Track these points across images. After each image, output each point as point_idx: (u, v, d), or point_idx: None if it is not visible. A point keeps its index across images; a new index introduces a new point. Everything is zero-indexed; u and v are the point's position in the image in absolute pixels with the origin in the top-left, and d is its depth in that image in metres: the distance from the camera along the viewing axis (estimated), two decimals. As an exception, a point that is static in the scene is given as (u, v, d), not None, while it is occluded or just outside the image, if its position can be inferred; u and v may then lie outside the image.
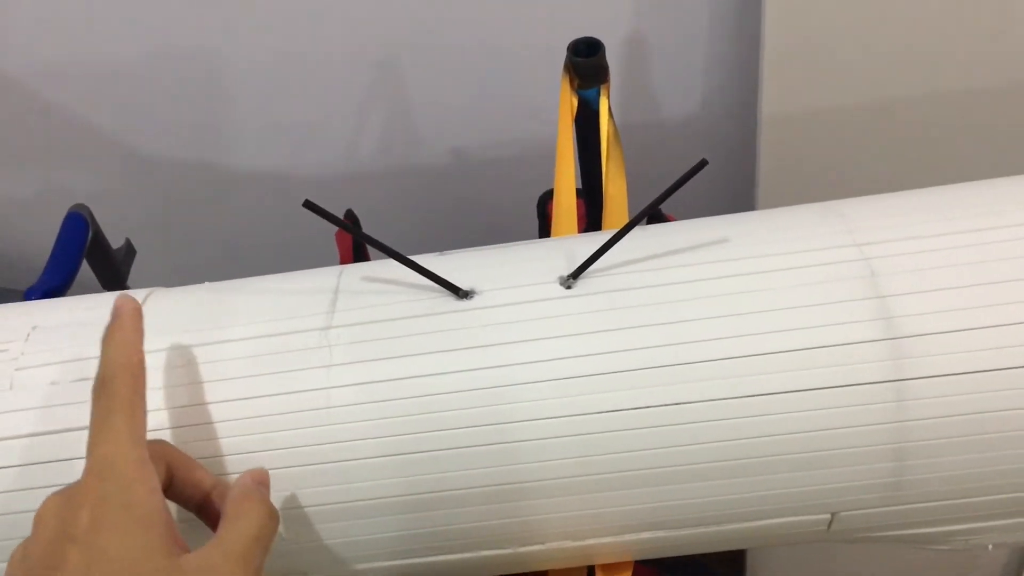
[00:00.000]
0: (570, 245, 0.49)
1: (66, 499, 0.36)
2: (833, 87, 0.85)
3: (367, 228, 0.87)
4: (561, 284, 0.46)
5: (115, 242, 0.84)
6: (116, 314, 0.41)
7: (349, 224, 0.43)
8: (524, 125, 0.98)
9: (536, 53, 0.93)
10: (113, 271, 0.85)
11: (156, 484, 0.37)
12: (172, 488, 0.40)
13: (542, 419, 0.44)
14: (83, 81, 0.97)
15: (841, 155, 0.89)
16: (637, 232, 0.47)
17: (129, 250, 0.89)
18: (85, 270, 0.81)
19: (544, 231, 0.85)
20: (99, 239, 0.83)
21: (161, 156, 1.02)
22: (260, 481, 0.41)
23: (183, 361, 0.46)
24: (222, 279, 0.51)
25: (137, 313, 0.42)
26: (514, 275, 0.47)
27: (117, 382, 0.38)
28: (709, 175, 1.03)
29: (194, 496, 0.41)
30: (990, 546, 0.48)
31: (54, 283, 0.76)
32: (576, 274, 0.46)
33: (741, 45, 0.93)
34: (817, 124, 0.87)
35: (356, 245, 0.88)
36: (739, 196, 0.97)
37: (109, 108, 0.99)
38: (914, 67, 0.83)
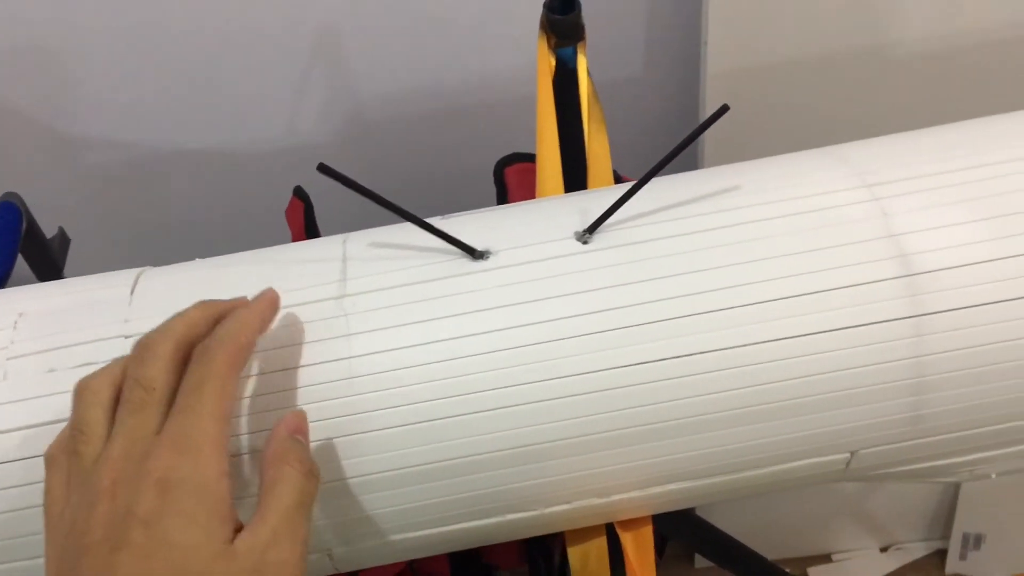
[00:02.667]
0: (580, 201, 0.48)
1: (137, 464, 0.35)
2: (778, 42, 0.86)
3: (316, 203, 0.85)
4: (578, 239, 0.46)
5: (47, 232, 0.80)
6: (256, 297, 0.41)
7: (368, 189, 0.42)
8: (470, 91, 0.97)
9: (483, 18, 0.92)
10: (49, 262, 0.81)
11: (226, 466, 0.36)
12: None
13: (567, 376, 0.43)
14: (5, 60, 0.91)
15: (786, 110, 0.90)
16: (644, 186, 0.47)
17: (63, 239, 0.85)
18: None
19: (502, 198, 0.84)
20: (33, 229, 0.79)
21: (90, 138, 0.97)
22: (295, 429, 0.39)
23: (190, 340, 0.43)
24: (167, 264, 0.49)
25: (273, 305, 0.42)
26: (528, 234, 0.46)
27: (219, 354, 0.37)
28: (654, 135, 1.04)
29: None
30: (993, 475, 0.50)
31: (-9, 276, 0.72)
32: (593, 228, 0.45)
33: (684, 2, 0.93)
34: (761, 80, 0.88)
35: (308, 224, 0.86)
36: (684, 156, 0.98)
37: (32, 90, 0.94)
38: (856, 20, 0.84)
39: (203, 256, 0.50)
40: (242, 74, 0.94)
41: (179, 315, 0.40)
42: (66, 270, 0.82)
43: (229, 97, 0.96)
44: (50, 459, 0.37)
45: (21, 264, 0.77)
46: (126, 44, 0.91)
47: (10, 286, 0.61)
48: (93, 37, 0.90)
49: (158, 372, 0.37)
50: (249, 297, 0.42)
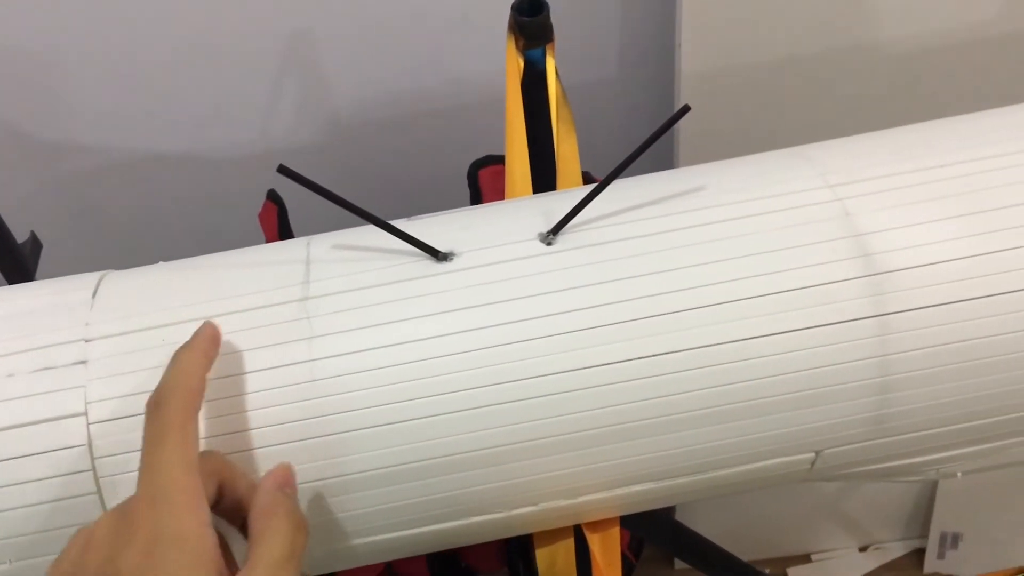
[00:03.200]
0: (545, 202, 0.48)
1: (119, 522, 0.35)
2: (751, 44, 0.86)
3: (289, 207, 0.85)
4: (541, 241, 0.45)
5: (18, 237, 0.79)
6: (194, 336, 0.41)
7: (327, 190, 0.41)
8: (444, 94, 0.97)
9: (452, 20, 0.92)
10: (20, 267, 0.81)
11: (207, 515, 0.36)
12: (220, 505, 0.39)
13: (530, 378, 0.43)
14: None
15: (761, 111, 0.90)
16: (610, 186, 0.47)
17: (35, 244, 0.84)
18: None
19: (476, 200, 0.84)
20: (4, 234, 0.78)
21: (63, 143, 0.96)
22: (283, 483, 0.39)
23: (151, 344, 0.43)
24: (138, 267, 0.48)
25: (214, 340, 0.41)
26: (492, 235, 0.46)
27: (171, 403, 0.37)
28: (629, 135, 1.04)
29: (239, 515, 0.40)
30: (959, 474, 0.50)
31: (-39, 281, 0.71)
32: (556, 230, 0.45)
33: (658, 2, 0.93)
34: (735, 81, 0.88)
35: (282, 228, 0.85)
36: (659, 157, 0.98)
37: (3, 94, 0.93)
38: (829, 22, 0.85)
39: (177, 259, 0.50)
40: (216, 77, 0.94)
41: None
42: (38, 275, 0.81)
43: (203, 101, 0.96)
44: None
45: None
46: (99, 48, 0.90)
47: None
48: (67, 41, 0.90)
49: None
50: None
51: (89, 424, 0.42)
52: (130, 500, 0.36)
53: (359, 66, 0.94)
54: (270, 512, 0.37)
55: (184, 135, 0.98)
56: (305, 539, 0.37)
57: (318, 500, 0.43)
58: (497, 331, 0.43)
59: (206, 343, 0.41)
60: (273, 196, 0.84)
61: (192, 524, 0.35)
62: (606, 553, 0.49)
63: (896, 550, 1.24)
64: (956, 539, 1.18)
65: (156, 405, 0.38)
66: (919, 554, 1.22)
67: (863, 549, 1.25)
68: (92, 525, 0.36)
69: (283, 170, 0.41)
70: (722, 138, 0.91)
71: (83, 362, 0.43)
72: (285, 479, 0.39)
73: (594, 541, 0.49)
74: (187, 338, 0.41)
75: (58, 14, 0.88)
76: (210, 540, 0.35)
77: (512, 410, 0.43)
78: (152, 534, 0.34)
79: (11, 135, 0.95)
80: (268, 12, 0.90)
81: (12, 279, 0.79)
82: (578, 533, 0.50)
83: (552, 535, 0.50)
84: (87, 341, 0.43)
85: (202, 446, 0.41)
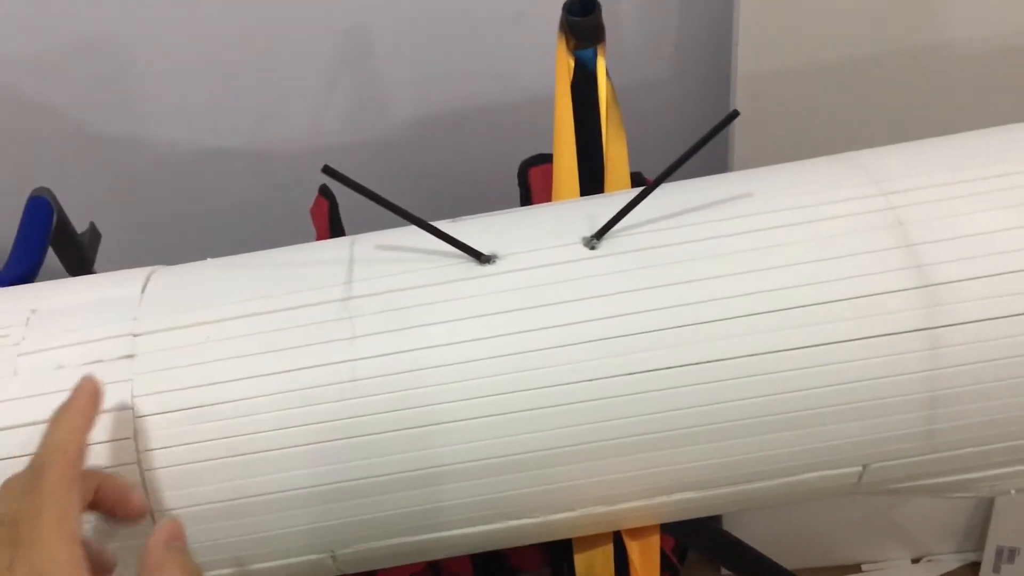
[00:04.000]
0: (588, 206, 0.48)
1: None
2: (807, 45, 0.85)
3: (340, 202, 0.85)
4: (585, 245, 0.45)
5: (78, 227, 0.81)
6: (73, 394, 0.39)
7: (369, 190, 0.41)
8: (496, 93, 0.97)
9: (505, 19, 0.92)
10: (79, 256, 0.82)
11: None
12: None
13: (572, 383, 0.43)
14: (41, 61, 0.93)
15: (816, 114, 0.89)
16: (656, 191, 0.46)
17: (94, 234, 0.86)
18: (49, 257, 0.77)
19: (526, 200, 0.83)
20: (64, 223, 0.80)
21: (124, 138, 0.98)
22: (172, 536, 0.38)
23: (196, 340, 0.44)
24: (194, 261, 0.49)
25: (94, 396, 0.40)
26: (535, 238, 0.46)
27: (49, 473, 0.36)
28: (682, 136, 1.03)
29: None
30: (1013, 491, 0.49)
31: (21, 271, 0.73)
32: (600, 234, 0.45)
33: (715, 2, 0.92)
34: (791, 83, 0.87)
35: (332, 222, 0.86)
36: (713, 159, 0.97)
37: (69, 89, 0.95)
38: (888, 24, 0.83)
39: (229, 255, 0.50)
40: (273, 75, 0.95)
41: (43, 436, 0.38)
42: (96, 266, 0.82)
43: (261, 97, 0.97)
44: None
45: (53, 259, 0.78)
46: (165, 45, 0.92)
47: (41, 280, 0.61)
48: (134, 39, 0.92)
49: (9, 503, 0.36)
50: None
51: (136, 417, 0.42)
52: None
53: (411, 64, 0.94)
54: (159, 569, 0.36)
55: (242, 131, 0.99)
56: None
57: (353, 499, 0.43)
58: (538, 335, 0.43)
59: (85, 401, 0.39)
60: (325, 191, 0.85)
61: None
62: (645, 561, 0.48)
63: (950, 563, 1.21)
64: (1013, 554, 1.15)
65: (33, 476, 0.36)
66: (974, 567, 1.19)
67: (916, 561, 1.22)
68: None
69: (328, 171, 0.41)
70: (777, 141, 0.90)
71: (131, 356, 0.44)
72: (173, 533, 0.38)
73: (633, 548, 0.49)
74: (227, 334, 0.41)
75: (127, 11, 0.90)
76: None
77: (552, 415, 0.43)
78: None
79: (76, 127, 0.97)
80: (324, 11, 0.91)
81: (71, 268, 0.80)
82: (618, 539, 0.50)
83: (591, 540, 0.50)
84: (135, 336, 0.44)
85: (237, 445, 0.41)
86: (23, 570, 0.34)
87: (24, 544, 0.35)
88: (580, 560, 0.50)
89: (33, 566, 0.34)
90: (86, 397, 0.39)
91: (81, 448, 0.37)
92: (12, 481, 0.37)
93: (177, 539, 0.38)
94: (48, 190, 0.79)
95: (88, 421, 0.39)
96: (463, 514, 0.44)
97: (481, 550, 0.48)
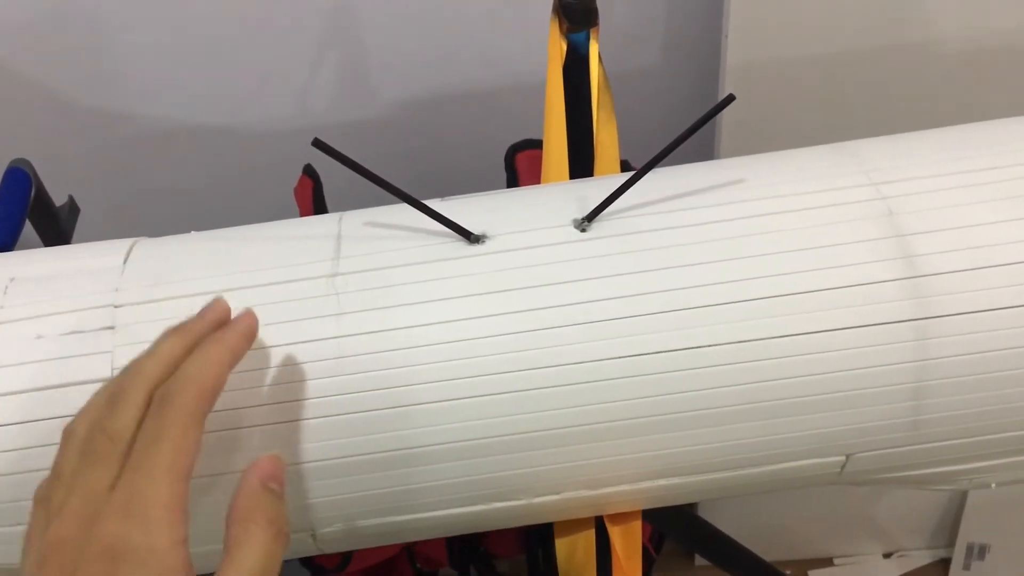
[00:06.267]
0: (580, 188, 0.48)
1: (87, 527, 0.32)
2: (797, 36, 0.85)
3: (325, 183, 0.84)
4: (575, 227, 0.45)
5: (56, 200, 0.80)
6: (229, 327, 0.37)
7: (360, 166, 0.41)
8: (483, 76, 0.96)
9: (495, 1, 0.91)
10: (57, 230, 0.81)
11: (182, 533, 0.33)
12: None
13: (561, 365, 0.42)
14: (19, 30, 0.91)
15: (805, 105, 0.89)
16: (647, 175, 0.46)
17: (72, 208, 0.85)
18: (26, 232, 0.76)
19: (512, 183, 0.83)
20: (42, 195, 0.79)
21: (106, 111, 0.97)
22: (268, 477, 0.35)
23: (179, 312, 0.43)
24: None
25: (248, 335, 0.38)
26: (525, 219, 0.45)
27: (180, 401, 0.34)
28: (671, 125, 1.03)
29: None
30: (993, 485, 0.49)
31: (-1, 239, 0.72)
32: (591, 217, 0.45)
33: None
34: (780, 74, 0.87)
35: (316, 203, 0.85)
36: (701, 147, 0.96)
37: (50, 60, 0.93)
38: (878, 16, 0.83)
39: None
40: (258, 52, 0.94)
41: (150, 352, 0.37)
42: (74, 239, 0.81)
43: (244, 74, 0.96)
44: (35, 499, 0.35)
45: (30, 231, 0.77)
46: (145, 17, 0.90)
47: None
48: (114, 9, 0.90)
49: (126, 422, 0.34)
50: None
51: (115, 390, 0.42)
52: (105, 503, 0.33)
53: (400, 45, 0.94)
54: (248, 517, 0.34)
55: (224, 108, 0.98)
56: (284, 548, 0.34)
57: (337, 477, 0.42)
58: (526, 316, 0.42)
59: (238, 339, 0.37)
60: (309, 171, 0.84)
61: (165, 542, 0.32)
62: (627, 546, 0.48)
63: (921, 558, 1.22)
64: (983, 550, 1.16)
65: (163, 399, 0.34)
66: (944, 564, 1.21)
67: (887, 556, 1.23)
68: (59, 525, 0.33)
69: (318, 143, 0.41)
70: (765, 131, 0.90)
71: (111, 327, 0.43)
72: (271, 472, 0.35)
73: (615, 533, 0.49)
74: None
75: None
76: (182, 560, 0.32)
77: (538, 397, 0.42)
78: (117, 546, 0.31)
79: (55, 100, 0.96)
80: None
81: (49, 241, 0.79)
82: (599, 524, 0.50)
83: (573, 525, 0.50)
84: (116, 307, 0.43)
85: (222, 420, 0.41)
86: (122, 495, 0.32)
87: (132, 468, 0.33)
88: (561, 545, 0.50)
89: (132, 496, 0.32)
90: (238, 336, 0.37)
91: (218, 385, 0.36)
92: (128, 393, 0.35)
93: (275, 480, 0.35)
94: (26, 161, 0.77)
95: (234, 358, 0.37)
96: (448, 495, 0.44)
97: (464, 532, 0.47)
